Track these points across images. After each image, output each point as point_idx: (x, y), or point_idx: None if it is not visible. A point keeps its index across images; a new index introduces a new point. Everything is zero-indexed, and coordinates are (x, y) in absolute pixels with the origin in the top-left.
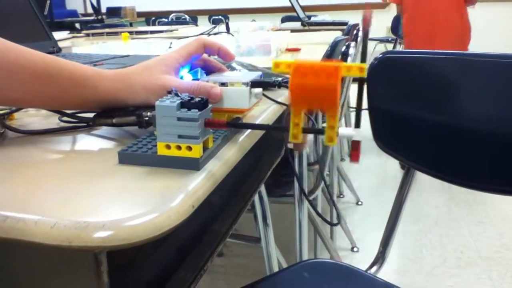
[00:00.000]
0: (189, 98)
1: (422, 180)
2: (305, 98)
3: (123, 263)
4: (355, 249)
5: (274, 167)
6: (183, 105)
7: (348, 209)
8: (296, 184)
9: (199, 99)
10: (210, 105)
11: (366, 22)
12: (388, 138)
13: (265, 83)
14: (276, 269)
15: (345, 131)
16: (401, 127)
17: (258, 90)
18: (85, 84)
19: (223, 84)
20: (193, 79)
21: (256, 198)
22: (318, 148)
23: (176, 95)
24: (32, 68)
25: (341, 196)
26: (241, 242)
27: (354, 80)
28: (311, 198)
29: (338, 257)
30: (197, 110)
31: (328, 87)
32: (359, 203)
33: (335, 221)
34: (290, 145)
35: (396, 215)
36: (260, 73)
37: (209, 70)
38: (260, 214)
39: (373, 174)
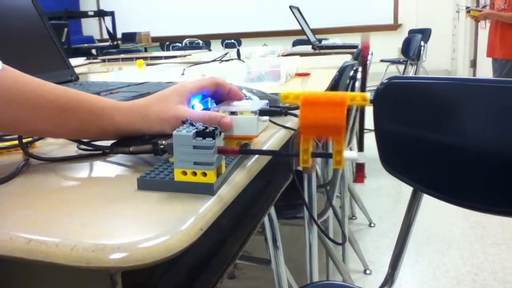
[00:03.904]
0: (204, 127)
1: (434, 201)
2: (314, 129)
3: (137, 284)
4: (367, 271)
5: (284, 189)
6: (198, 134)
7: (360, 231)
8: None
9: (213, 128)
10: (223, 134)
11: (366, 48)
12: (395, 161)
13: (272, 111)
14: None
15: (349, 154)
16: (407, 150)
17: (266, 117)
18: (103, 116)
19: (233, 113)
20: (203, 108)
21: (266, 220)
22: (327, 170)
23: (191, 124)
24: (55, 102)
25: (354, 217)
26: (252, 264)
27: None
28: (322, 219)
29: (350, 280)
30: (211, 138)
31: (335, 119)
32: (372, 224)
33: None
34: (299, 167)
35: (404, 238)
36: (267, 101)
37: (218, 98)
38: (270, 236)
39: (385, 195)
